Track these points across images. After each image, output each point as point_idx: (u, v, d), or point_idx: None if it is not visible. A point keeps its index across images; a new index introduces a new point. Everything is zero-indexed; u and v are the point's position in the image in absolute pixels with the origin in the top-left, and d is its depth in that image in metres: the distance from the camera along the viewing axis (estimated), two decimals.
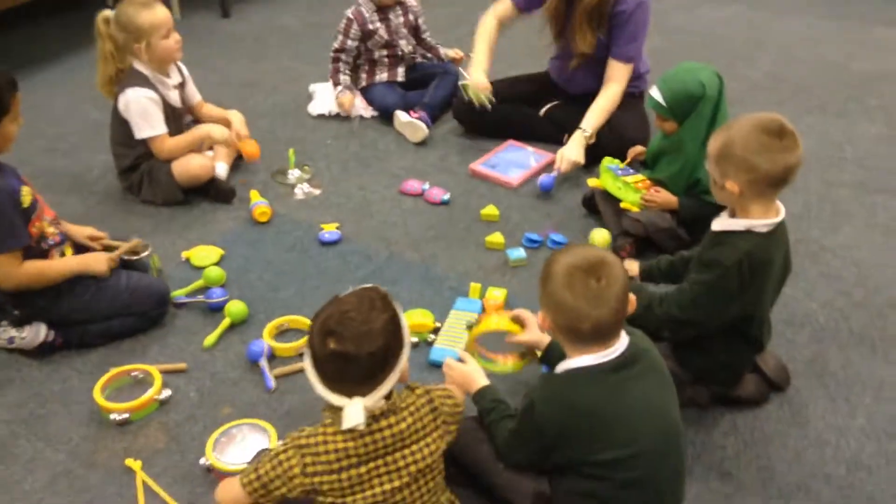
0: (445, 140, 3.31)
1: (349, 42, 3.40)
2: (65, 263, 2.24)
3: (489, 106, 3.12)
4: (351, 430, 1.49)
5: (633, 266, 2.21)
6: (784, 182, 1.78)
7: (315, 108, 3.54)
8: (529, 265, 2.58)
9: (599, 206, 2.71)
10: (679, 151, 2.49)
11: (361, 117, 3.40)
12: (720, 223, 1.88)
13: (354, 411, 1.45)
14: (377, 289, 1.56)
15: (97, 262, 2.28)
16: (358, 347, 1.44)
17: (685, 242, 2.51)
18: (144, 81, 2.79)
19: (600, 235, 2.57)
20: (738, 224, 1.83)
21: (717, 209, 2.47)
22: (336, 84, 3.45)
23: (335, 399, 1.48)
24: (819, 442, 1.96)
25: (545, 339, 1.92)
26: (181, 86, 2.96)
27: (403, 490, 1.55)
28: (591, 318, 1.50)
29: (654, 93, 2.47)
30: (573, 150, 2.91)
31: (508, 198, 2.92)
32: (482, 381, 1.81)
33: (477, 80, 3.11)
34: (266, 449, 1.89)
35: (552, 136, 3.22)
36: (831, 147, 3.16)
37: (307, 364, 1.51)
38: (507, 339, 1.96)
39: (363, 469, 1.51)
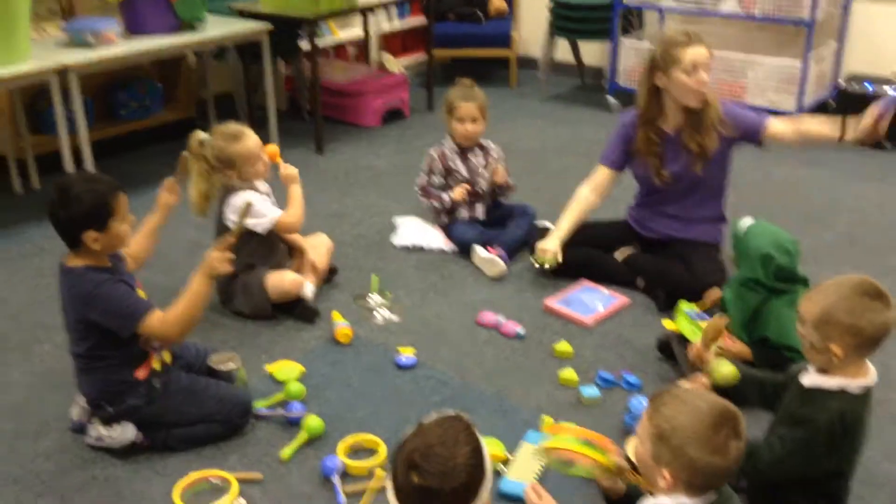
0: (521, 277, 3.42)
1: (434, 178, 3.60)
2: (196, 282, 2.31)
3: (548, 268, 3.23)
4: None
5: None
6: (881, 343, 1.82)
7: (399, 239, 3.71)
8: (602, 404, 2.60)
9: (675, 351, 2.74)
10: (741, 302, 2.56)
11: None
12: (811, 379, 1.90)
13: None
14: (461, 418, 1.57)
15: (216, 262, 2.33)
16: (441, 483, 1.45)
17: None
18: (242, 189, 2.99)
19: (727, 369, 2.24)
20: (831, 383, 1.86)
21: (789, 361, 2.51)
22: (437, 203, 3.61)
23: None
24: None
25: (621, 487, 1.93)
26: (269, 195, 3.15)
27: None
28: (730, 473, 1.56)
29: (741, 223, 2.59)
30: None
31: (582, 336, 2.98)
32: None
33: (547, 245, 3.24)
34: None
35: (627, 280, 3.30)
36: None
37: (389, 493, 1.53)
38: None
39: None
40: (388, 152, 4.97)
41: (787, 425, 1.89)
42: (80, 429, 2.45)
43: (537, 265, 3.26)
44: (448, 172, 3.61)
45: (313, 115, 4.99)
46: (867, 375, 1.85)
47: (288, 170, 3.14)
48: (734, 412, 1.57)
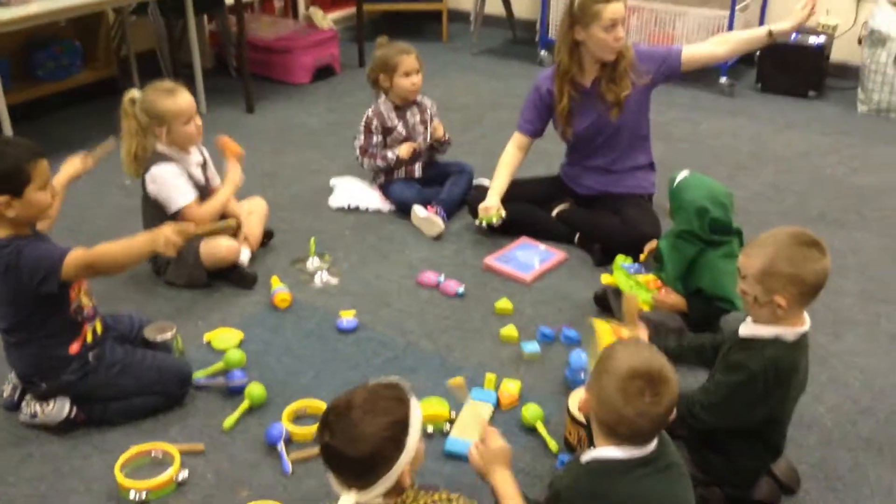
0: (460, 235, 3.42)
1: (374, 137, 3.55)
2: (135, 241, 2.25)
3: (495, 223, 3.24)
4: None
5: (642, 334, 2.28)
6: (820, 291, 1.86)
7: (335, 200, 3.66)
8: (543, 359, 2.64)
9: (611, 303, 2.79)
10: (674, 253, 2.61)
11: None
12: (748, 329, 1.94)
13: None
14: (396, 386, 1.61)
15: (162, 237, 2.26)
16: (344, 447, 1.50)
17: None
18: (168, 160, 2.91)
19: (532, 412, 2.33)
20: (766, 331, 1.90)
21: (723, 312, 2.58)
22: (379, 164, 3.56)
23: (335, 486, 1.54)
24: None
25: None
26: (203, 166, 3.07)
27: None
28: (634, 427, 1.56)
29: (679, 175, 2.63)
30: None
31: (522, 293, 3.00)
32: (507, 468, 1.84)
33: (489, 203, 3.25)
34: None
35: (563, 235, 3.33)
36: (834, 256, 3.23)
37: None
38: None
39: None
40: (321, 110, 4.88)
41: (722, 371, 1.94)
42: (12, 406, 2.38)
43: (484, 224, 3.25)
44: (387, 132, 3.56)
45: (241, 72, 4.87)
46: (803, 324, 1.90)
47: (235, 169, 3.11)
48: (664, 376, 1.57)
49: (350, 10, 6.32)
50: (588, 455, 1.65)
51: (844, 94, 4.99)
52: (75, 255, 2.14)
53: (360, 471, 1.51)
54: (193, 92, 4.61)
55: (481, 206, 3.27)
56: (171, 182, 2.89)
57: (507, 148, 3.40)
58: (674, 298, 2.59)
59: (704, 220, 2.52)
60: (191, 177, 2.96)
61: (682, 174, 2.65)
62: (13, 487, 2.14)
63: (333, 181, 3.82)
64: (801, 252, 1.86)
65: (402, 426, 1.54)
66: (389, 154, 3.53)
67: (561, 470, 1.69)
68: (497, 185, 3.32)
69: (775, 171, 4.02)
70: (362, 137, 3.58)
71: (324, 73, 5.42)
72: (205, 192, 3.04)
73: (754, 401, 1.88)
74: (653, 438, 1.61)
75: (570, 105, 3.19)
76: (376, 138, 3.56)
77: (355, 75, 5.49)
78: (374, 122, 3.56)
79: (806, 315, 1.93)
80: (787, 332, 1.89)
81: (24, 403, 2.34)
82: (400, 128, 3.57)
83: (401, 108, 3.59)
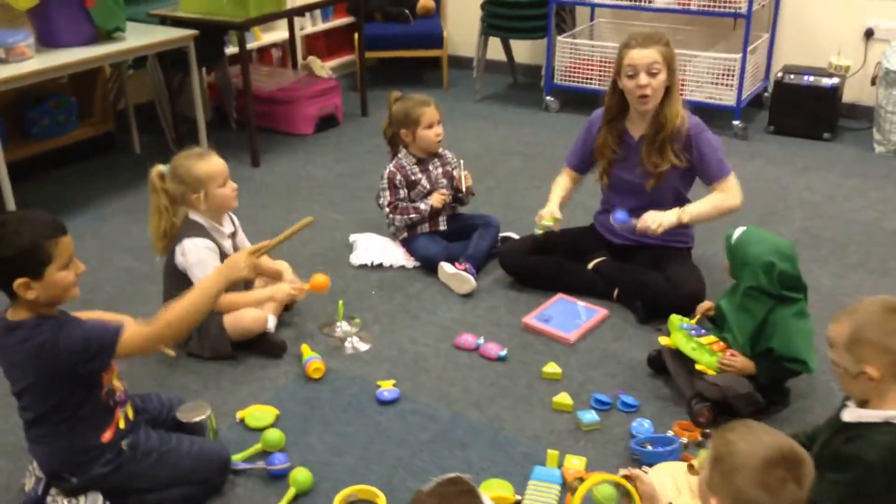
0: (492, 292, 3.27)
1: (400, 192, 3.41)
2: (209, 279, 2.17)
3: (555, 228, 3.11)
4: None
5: None
6: None
7: (357, 258, 3.50)
8: (602, 429, 2.48)
9: (669, 367, 2.64)
10: (744, 315, 2.47)
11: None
12: (853, 414, 1.80)
13: None
14: (458, 482, 1.52)
15: (237, 266, 2.21)
16: None
17: (762, 407, 2.46)
18: (201, 231, 2.77)
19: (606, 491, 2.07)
20: (875, 416, 1.76)
21: (794, 374, 2.44)
22: (412, 217, 3.42)
23: None
24: None
25: (661, 500, 1.83)
26: (234, 235, 2.92)
27: None
28: None
29: (735, 233, 2.51)
30: (664, 216, 2.94)
31: (566, 354, 2.85)
32: None
33: (545, 210, 3.14)
34: None
35: (600, 291, 3.19)
36: None
37: None
38: None
39: None
40: (328, 161, 4.74)
41: (834, 469, 1.75)
42: (35, 502, 2.17)
43: (539, 232, 3.11)
44: (410, 186, 3.42)
45: (243, 124, 4.73)
46: None
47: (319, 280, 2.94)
48: (800, 456, 1.47)
49: (347, 58, 6.24)
50: None
51: (859, 135, 4.93)
52: (138, 333, 2.00)
53: None
54: (198, 145, 4.52)
55: (539, 213, 3.13)
56: (203, 259, 2.73)
57: (557, 178, 3.33)
58: (741, 361, 2.45)
59: (773, 275, 2.39)
60: (223, 252, 2.81)
61: (740, 230, 2.53)
62: None
63: (353, 238, 3.66)
64: (892, 320, 1.73)
65: None
66: (422, 205, 3.39)
67: None
68: (554, 197, 3.22)
69: (804, 216, 3.92)
70: (388, 194, 3.44)
71: (326, 123, 5.29)
72: None
73: (876, 495, 1.73)
74: None
75: (611, 153, 3.08)
76: (402, 193, 3.42)
77: (359, 124, 5.38)
78: (398, 177, 3.42)
79: None
80: None
81: (49, 499, 2.14)
82: (423, 181, 3.43)
83: (422, 161, 3.46)
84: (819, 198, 4.13)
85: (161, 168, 2.75)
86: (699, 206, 3.02)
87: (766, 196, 4.13)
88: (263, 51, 5.86)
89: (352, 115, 5.49)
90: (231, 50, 5.17)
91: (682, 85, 4.97)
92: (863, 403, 1.81)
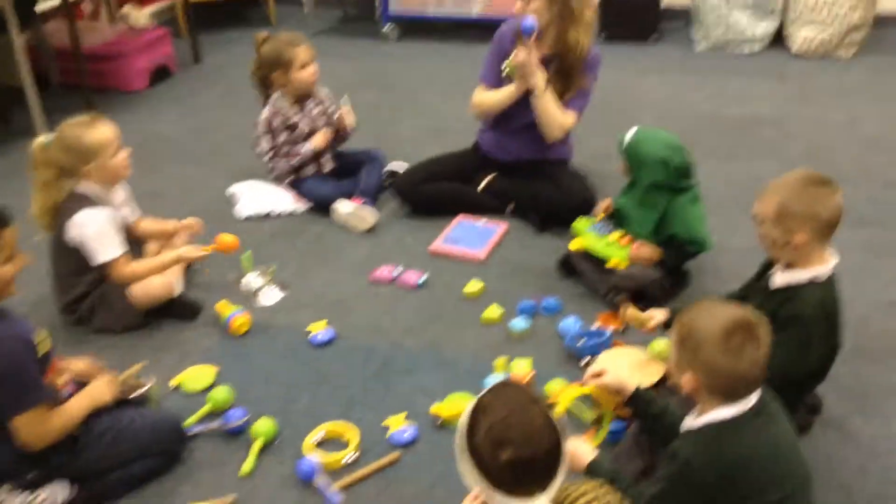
0: (391, 224, 3.30)
1: (280, 136, 3.33)
2: (78, 405, 2.01)
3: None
4: None
5: (659, 314, 2.31)
6: (838, 224, 1.94)
7: (243, 209, 3.40)
8: (533, 334, 2.61)
9: (578, 267, 2.80)
10: (644, 211, 2.66)
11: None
12: (782, 279, 2.00)
13: None
14: (509, 383, 1.57)
15: (101, 392, 2.08)
16: (534, 449, 1.42)
17: (670, 288, 2.68)
18: (91, 204, 2.58)
19: (661, 346, 2.40)
20: (801, 276, 1.96)
21: (694, 255, 2.67)
22: (294, 162, 3.36)
23: (514, 502, 1.44)
24: (873, 453, 2.12)
25: (630, 386, 1.97)
26: (123, 204, 2.76)
27: None
28: (751, 378, 1.58)
29: (627, 135, 2.67)
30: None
31: (482, 271, 2.95)
32: (591, 455, 1.81)
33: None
34: None
35: (494, 208, 3.31)
36: (738, 187, 3.46)
37: (473, 476, 1.47)
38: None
39: None
40: (172, 116, 4.51)
41: (774, 331, 1.84)
42: None
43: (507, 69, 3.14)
44: (289, 129, 3.35)
45: (66, 86, 4.38)
46: (830, 259, 2.00)
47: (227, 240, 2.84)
48: (752, 320, 1.62)
49: (163, 4, 5.89)
50: (701, 420, 1.65)
51: (678, 36, 5.31)
52: (32, 422, 1.88)
53: (550, 466, 1.44)
54: (31, 115, 4.16)
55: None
56: (102, 231, 2.57)
57: (476, 92, 3.29)
58: (648, 250, 2.65)
59: (670, 169, 2.58)
60: (117, 222, 2.65)
61: (631, 132, 2.70)
62: None
63: (233, 189, 3.55)
64: (812, 190, 1.94)
65: (549, 410, 1.49)
66: (304, 148, 3.33)
67: (677, 441, 1.67)
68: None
69: (653, 115, 4.20)
70: (267, 139, 3.35)
71: (160, 75, 5.01)
72: (127, 232, 2.73)
73: (816, 344, 1.95)
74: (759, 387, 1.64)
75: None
76: (282, 137, 3.34)
77: (194, 73, 5.16)
78: (276, 121, 3.33)
79: (832, 252, 2.01)
80: (821, 270, 1.97)
81: (1, 495, 1.99)
82: (302, 123, 3.37)
83: (299, 102, 3.39)
84: (662, 96, 4.44)
85: (43, 140, 2.54)
86: (553, 101, 3.11)
87: (615, 100, 4.36)
88: (72, 6, 5.40)
89: (183, 63, 5.24)
90: (41, 7, 4.75)
91: None
92: (787, 266, 2.02)
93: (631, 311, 2.36)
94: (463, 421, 1.51)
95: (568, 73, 3.10)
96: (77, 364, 2.19)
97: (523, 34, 3.01)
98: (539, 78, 3.05)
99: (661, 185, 2.60)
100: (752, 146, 3.84)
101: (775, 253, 2.01)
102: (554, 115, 3.12)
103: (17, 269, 1.89)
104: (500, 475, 1.43)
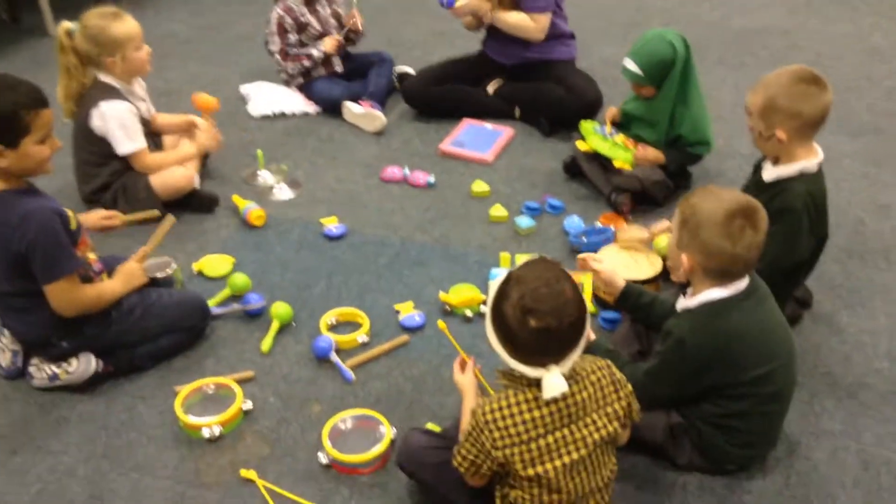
0: (400, 126, 3.37)
1: (290, 36, 3.37)
2: (111, 287, 2.13)
3: None
4: (536, 399, 1.51)
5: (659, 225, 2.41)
6: (823, 122, 2.02)
7: (255, 108, 3.47)
8: (539, 231, 2.72)
9: (584, 169, 2.89)
10: (656, 112, 2.72)
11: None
12: (771, 173, 2.08)
13: (557, 381, 1.47)
14: (546, 259, 1.59)
15: (135, 276, 2.20)
16: (559, 320, 1.46)
17: (672, 191, 2.77)
18: (116, 93, 2.66)
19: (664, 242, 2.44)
20: (790, 169, 2.04)
21: (698, 158, 2.76)
22: (305, 64, 3.41)
23: (531, 371, 1.50)
24: (858, 344, 2.25)
25: (620, 281, 2.08)
26: (143, 98, 2.83)
27: (586, 460, 1.56)
28: (746, 260, 1.67)
29: (630, 64, 2.67)
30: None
31: (488, 173, 3.04)
32: (591, 335, 1.91)
33: None
34: None
35: (502, 111, 3.37)
36: (745, 94, 3.50)
37: (496, 343, 1.53)
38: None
39: (550, 439, 1.52)
40: (182, 15, 4.53)
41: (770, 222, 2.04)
42: (16, 374, 2.17)
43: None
44: (300, 28, 3.38)
45: None
46: (817, 154, 2.08)
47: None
48: (754, 206, 1.70)
49: None
50: (695, 300, 1.75)
51: None
52: (64, 288, 2.00)
53: (571, 339, 1.50)
54: (41, 15, 4.18)
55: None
56: (125, 123, 2.65)
57: None
58: (652, 153, 2.73)
59: (684, 46, 2.65)
60: (140, 115, 2.73)
61: (627, 61, 2.69)
62: (65, 455, 1.98)
63: (244, 89, 3.61)
64: (800, 88, 2.00)
65: (578, 287, 1.54)
66: (314, 52, 3.37)
67: (672, 320, 1.78)
68: None
69: (662, 23, 4.21)
70: (277, 40, 3.39)
71: None
72: (146, 125, 2.80)
73: (804, 234, 2.04)
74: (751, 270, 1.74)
75: None
76: (292, 37, 3.38)
77: None
78: (287, 20, 3.36)
79: (817, 146, 2.10)
80: (808, 164, 2.06)
81: (32, 368, 2.14)
82: (314, 23, 3.40)
83: (310, 2, 3.41)
84: (670, 5, 4.45)
85: (68, 25, 2.59)
86: (510, 15, 3.20)
87: (623, 10, 4.39)
88: None
89: None
90: None
91: None
92: (775, 161, 2.10)
93: (627, 237, 2.46)
94: (493, 289, 1.56)
95: None
96: (93, 216, 2.36)
97: (442, 5, 3.14)
98: (482, 6, 3.13)
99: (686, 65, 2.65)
100: (759, 55, 3.88)
101: (761, 145, 2.09)
102: (517, 26, 3.20)
103: (52, 151, 1.98)
104: (526, 341, 1.48)
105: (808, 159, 2.06)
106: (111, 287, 2.12)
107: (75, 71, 2.61)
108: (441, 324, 2.10)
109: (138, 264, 2.22)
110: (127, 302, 2.17)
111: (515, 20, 3.17)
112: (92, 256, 2.13)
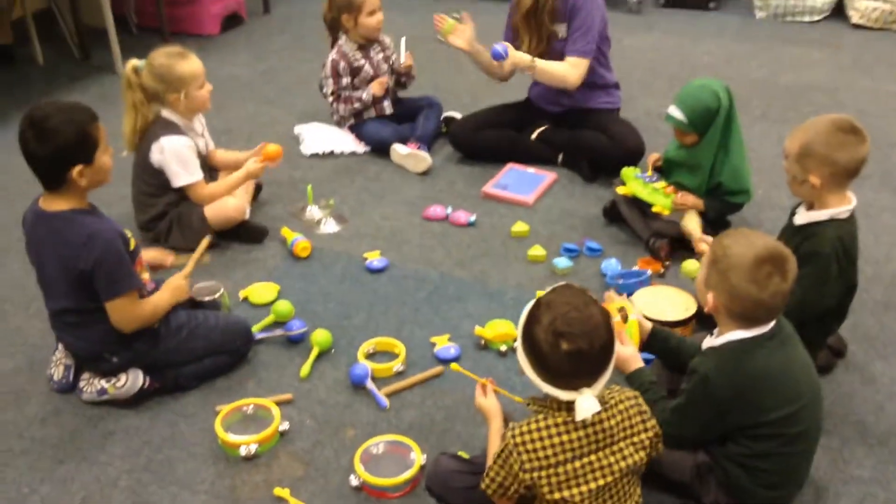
0: (445, 169, 3.47)
1: (343, 80, 3.51)
2: (160, 298, 2.24)
3: (458, 19, 3.32)
4: (566, 424, 1.55)
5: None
6: (857, 173, 2.06)
7: (308, 147, 3.61)
8: (576, 272, 2.77)
9: (624, 214, 2.94)
10: (698, 159, 2.77)
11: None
12: (804, 217, 2.11)
13: (590, 402, 1.51)
14: (573, 286, 1.63)
15: (181, 289, 2.30)
16: (591, 343, 1.51)
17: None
18: (176, 129, 2.80)
19: (692, 266, 2.54)
20: (822, 215, 2.08)
21: (738, 207, 2.79)
22: (355, 106, 3.54)
23: (563, 395, 1.54)
24: (891, 394, 2.24)
25: (647, 325, 2.11)
26: (202, 134, 2.98)
27: (612, 488, 1.59)
28: (771, 307, 1.71)
29: (674, 111, 2.73)
30: (518, 54, 3.22)
31: (528, 215, 3.11)
32: (638, 363, 1.96)
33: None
34: None
35: (546, 157, 3.46)
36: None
37: (528, 368, 1.58)
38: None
39: (578, 464, 1.56)
40: (246, 60, 4.73)
41: (797, 266, 1.98)
42: (68, 388, 2.28)
43: (443, 36, 3.34)
44: (354, 72, 3.52)
45: (143, 28, 4.61)
46: (850, 202, 2.11)
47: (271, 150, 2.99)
48: (784, 254, 1.73)
49: None
50: (720, 340, 1.78)
51: (738, 4, 5.34)
52: (125, 305, 2.12)
53: (602, 361, 1.54)
54: (111, 54, 4.41)
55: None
56: (183, 157, 2.79)
57: None
58: (692, 200, 2.77)
59: (721, 114, 2.69)
60: (198, 150, 2.87)
61: (672, 108, 2.75)
62: (109, 466, 2.07)
63: (298, 129, 3.75)
64: (838, 137, 2.04)
65: (606, 312, 1.59)
66: (364, 95, 3.51)
67: (698, 358, 1.81)
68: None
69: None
70: (331, 82, 3.53)
71: (231, 21, 5.23)
72: (203, 160, 2.94)
73: (832, 280, 2.06)
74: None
75: (518, 23, 3.30)
76: (345, 80, 3.52)
77: (264, 22, 5.37)
78: (341, 65, 3.51)
79: (851, 194, 2.13)
80: (840, 210, 2.09)
81: (82, 382, 2.25)
82: (367, 67, 3.54)
83: (364, 48, 3.56)
84: (717, 61, 4.51)
85: (136, 63, 2.75)
86: (550, 64, 3.25)
87: (669, 64, 4.46)
88: None
89: (254, 12, 5.44)
90: None
91: None
92: (809, 206, 2.14)
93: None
94: (524, 315, 1.61)
95: (541, 20, 3.24)
96: (149, 253, 2.48)
97: (494, 58, 3.20)
98: (522, 60, 3.21)
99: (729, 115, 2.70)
100: (802, 110, 3.91)
101: (795, 189, 2.13)
102: (556, 75, 3.26)
103: (111, 158, 2.11)
104: (558, 365, 1.52)
105: (841, 206, 2.09)
106: (160, 298, 2.24)
107: (140, 106, 2.76)
108: (454, 366, 2.13)
109: (184, 280, 2.32)
110: (175, 321, 2.27)
111: (555, 70, 3.24)
112: (146, 276, 2.24)
